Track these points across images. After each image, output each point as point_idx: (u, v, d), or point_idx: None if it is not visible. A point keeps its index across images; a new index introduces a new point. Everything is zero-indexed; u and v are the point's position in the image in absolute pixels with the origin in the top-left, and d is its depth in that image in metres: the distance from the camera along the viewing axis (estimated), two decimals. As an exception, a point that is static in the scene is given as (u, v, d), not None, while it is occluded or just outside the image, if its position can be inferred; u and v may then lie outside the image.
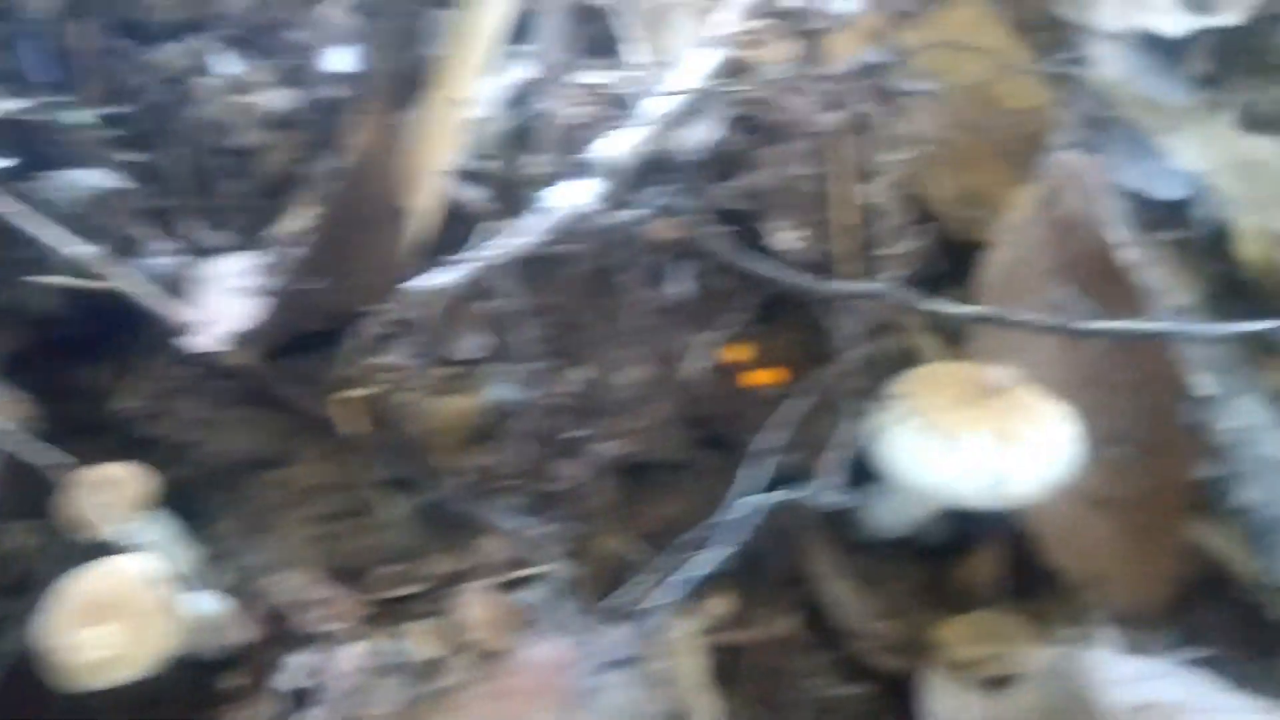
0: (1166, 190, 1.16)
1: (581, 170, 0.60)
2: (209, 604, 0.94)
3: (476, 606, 0.86)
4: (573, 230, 0.55)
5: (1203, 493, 1.05)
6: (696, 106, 0.81)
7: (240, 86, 0.91)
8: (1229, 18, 1.29)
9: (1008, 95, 1.02)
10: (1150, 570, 1.03)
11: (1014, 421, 0.84)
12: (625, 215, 0.76)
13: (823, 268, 0.86)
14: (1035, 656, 0.93)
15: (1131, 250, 1.08)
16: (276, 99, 0.91)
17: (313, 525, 0.92)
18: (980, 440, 0.82)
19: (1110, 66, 1.20)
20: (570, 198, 0.57)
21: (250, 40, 0.95)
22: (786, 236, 0.82)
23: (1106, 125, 1.18)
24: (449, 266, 0.52)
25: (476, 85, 0.85)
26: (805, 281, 0.75)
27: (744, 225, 0.85)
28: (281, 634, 0.93)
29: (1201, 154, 1.13)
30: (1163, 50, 1.26)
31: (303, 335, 0.87)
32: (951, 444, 0.81)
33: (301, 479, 0.91)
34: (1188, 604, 1.05)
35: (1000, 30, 1.02)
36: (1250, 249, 1.13)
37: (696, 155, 0.82)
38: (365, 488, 0.92)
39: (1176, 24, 1.27)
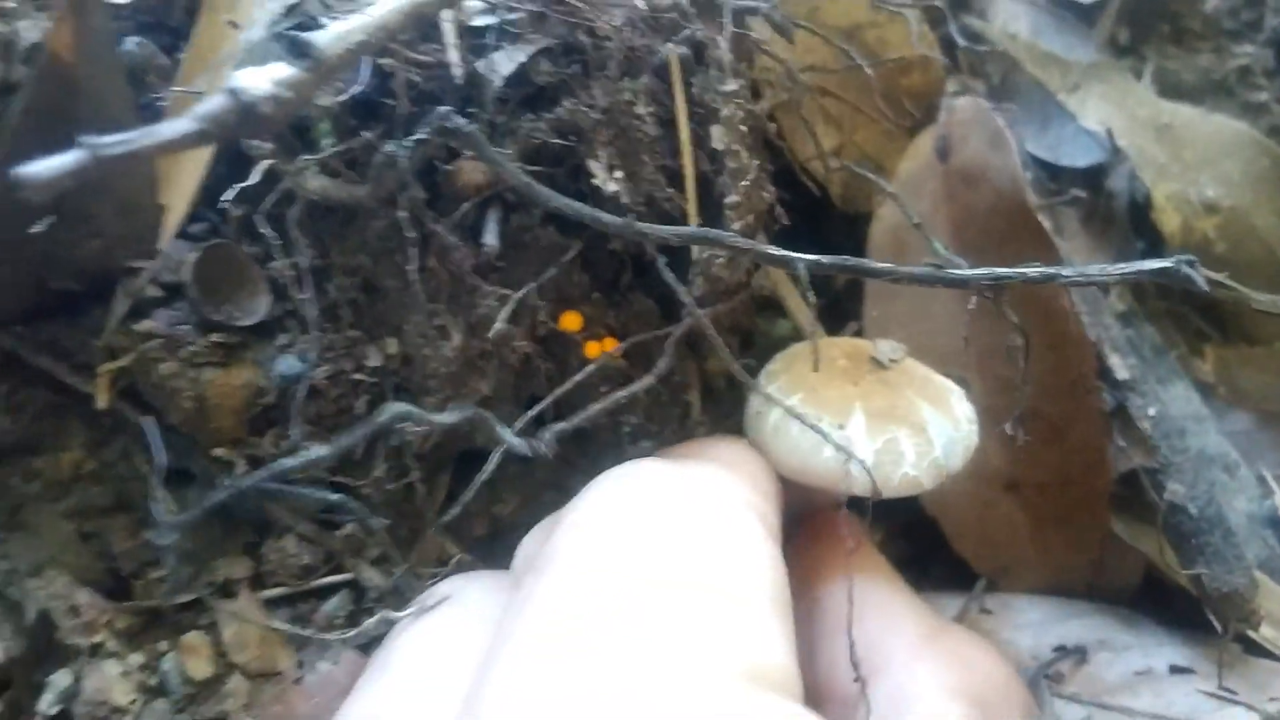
0: (1077, 156, 1.06)
1: (291, 51, 0.48)
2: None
3: (249, 619, 0.72)
4: (257, 116, 0.43)
5: (1126, 483, 0.95)
6: (499, 22, 0.69)
7: (-9, 11, 0.77)
8: (1145, -18, 1.20)
9: (889, 42, 0.92)
10: (1069, 561, 0.92)
11: (902, 400, 0.72)
12: (405, 142, 0.63)
13: (663, 218, 0.75)
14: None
15: (1040, 210, 0.98)
16: (32, 28, 0.78)
17: (77, 521, 0.78)
18: (863, 421, 0.70)
19: (1014, 24, 1.10)
20: (261, 78, 0.45)
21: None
22: (613, 179, 0.70)
23: (1008, 83, 1.09)
24: (91, 146, 0.39)
25: (253, 8, 0.73)
26: (630, 225, 0.63)
27: (565, 168, 0.73)
28: (48, 649, 0.79)
29: (1112, 114, 1.03)
30: (1071, 12, 1.17)
31: (55, 296, 0.73)
32: (832, 426, 0.69)
33: (63, 467, 0.78)
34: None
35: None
36: (1169, 220, 1.03)
37: (501, 81, 0.70)
38: (137, 478, 0.78)
39: (1090, -14, 1.18)
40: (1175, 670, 0.86)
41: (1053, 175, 1.07)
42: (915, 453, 0.70)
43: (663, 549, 0.54)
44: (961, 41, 0.98)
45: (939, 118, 0.94)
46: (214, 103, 0.44)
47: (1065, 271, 0.58)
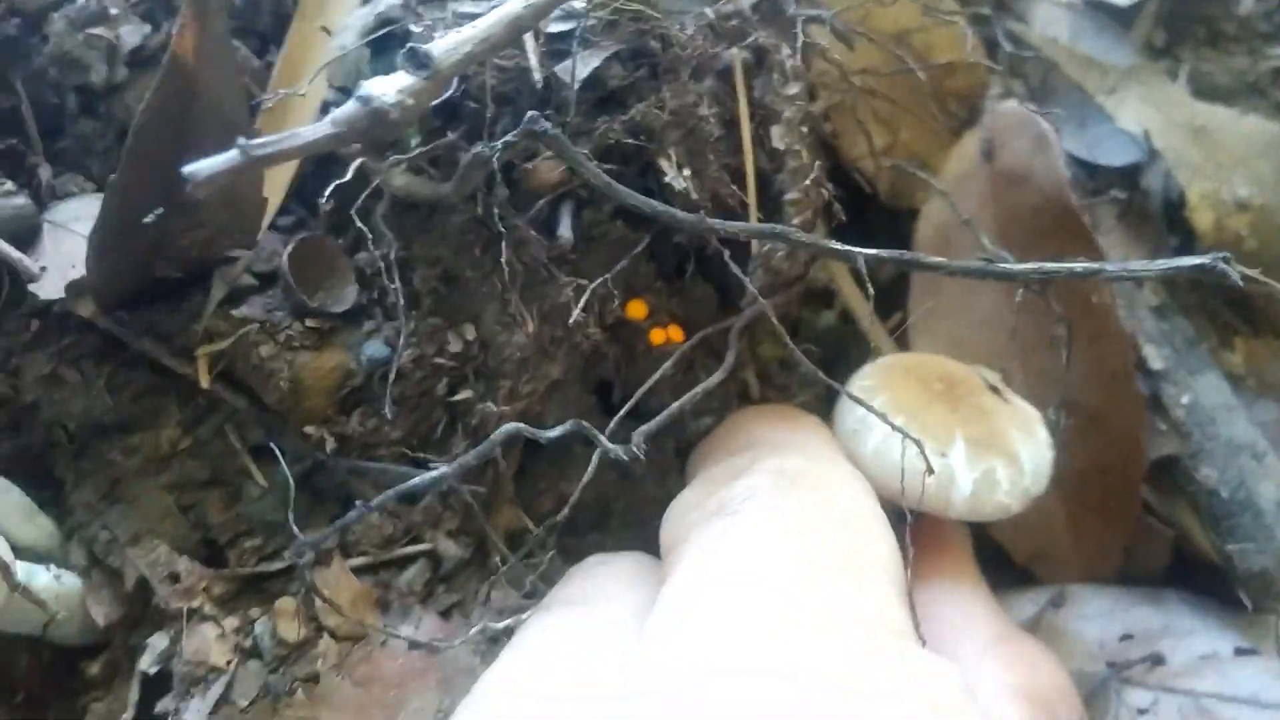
0: (1114, 156, 1.09)
1: (412, 62, 0.52)
2: (65, 582, 0.86)
3: (340, 585, 0.78)
4: (386, 122, 0.48)
5: (1161, 469, 0.99)
6: (580, 31, 0.74)
7: (95, 18, 0.83)
8: (1181, -14, 1.24)
9: (936, 46, 0.96)
10: (1103, 546, 0.97)
11: (998, 428, 0.78)
12: (495, 145, 0.68)
13: (727, 214, 0.79)
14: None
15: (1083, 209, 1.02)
16: (133, 33, 0.84)
17: (174, 494, 0.84)
18: (964, 449, 0.75)
19: (1053, 28, 1.14)
20: (388, 86, 0.50)
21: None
22: (681, 177, 0.74)
23: (1047, 85, 1.12)
24: (243, 148, 0.44)
25: (344, 14, 0.78)
26: (701, 221, 0.68)
27: (635, 166, 0.78)
28: (144, 613, 0.85)
29: (1149, 116, 1.07)
30: (1109, 16, 1.20)
31: (157, 283, 0.79)
32: (934, 453, 0.72)
33: (161, 444, 0.83)
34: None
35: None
36: (1202, 218, 1.06)
37: (577, 84, 0.75)
38: (231, 454, 0.84)
39: (1126, -10, 1.22)
40: (1240, 652, 0.90)
41: (1089, 174, 1.11)
42: (1009, 482, 0.75)
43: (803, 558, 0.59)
44: (1007, 46, 1.02)
45: (983, 120, 0.98)
46: (348, 110, 0.49)
47: (1109, 267, 0.63)
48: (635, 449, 0.66)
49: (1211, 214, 1.05)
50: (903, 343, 0.99)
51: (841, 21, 0.80)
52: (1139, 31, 1.22)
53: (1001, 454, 0.75)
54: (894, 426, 0.68)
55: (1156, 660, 0.91)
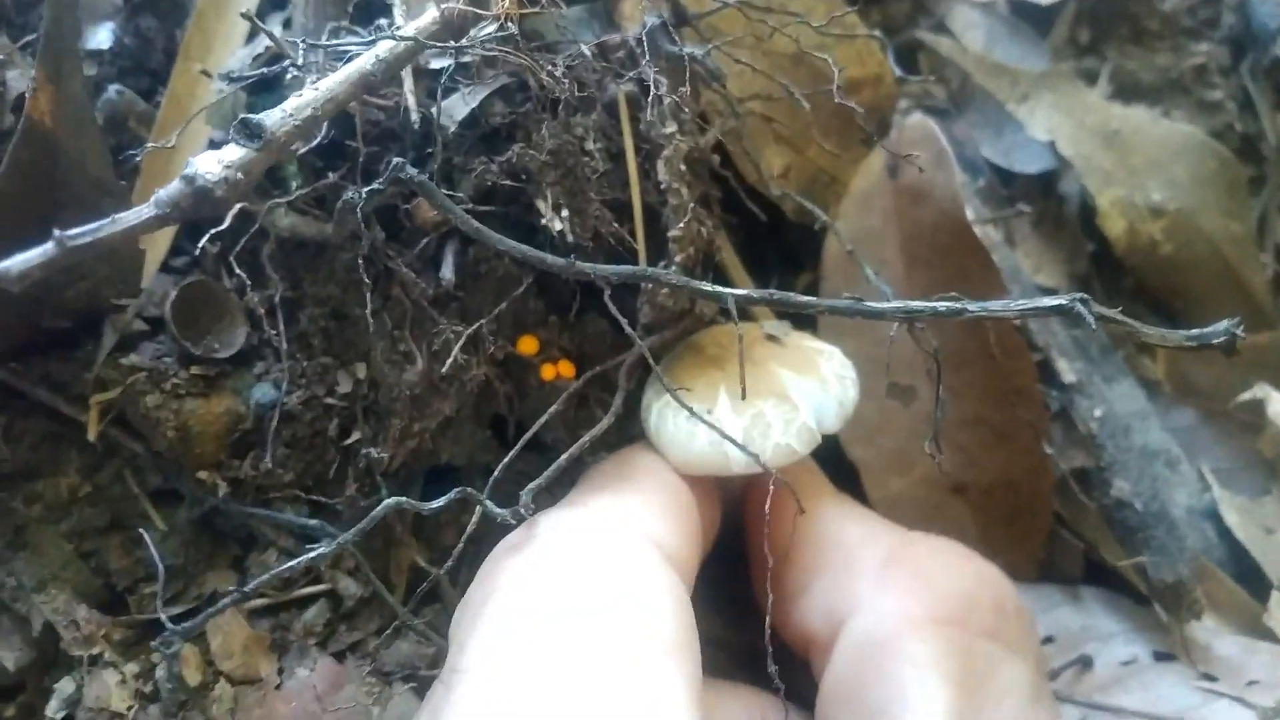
0: (1028, 163, 1.09)
1: (243, 133, 0.52)
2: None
3: (233, 630, 0.78)
4: (212, 199, 0.48)
5: (1073, 481, 0.99)
6: (461, 72, 0.73)
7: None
8: (1106, -17, 1.23)
9: (840, 64, 0.95)
10: (1016, 559, 0.97)
11: (765, 373, 0.76)
12: (364, 191, 0.68)
13: (610, 252, 0.79)
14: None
15: (988, 224, 1.02)
16: (20, 79, 0.83)
17: (75, 541, 0.84)
18: (727, 401, 0.74)
19: (971, 33, 1.13)
20: (207, 165, 0.49)
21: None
22: (559, 218, 0.74)
23: (965, 91, 1.12)
24: (59, 240, 0.44)
25: (227, 54, 0.78)
26: (570, 265, 0.68)
27: (519, 205, 0.78)
28: (56, 656, 0.86)
29: (1060, 123, 1.06)
30: (1031, 16, 1.20)
31: (47, 333, 0.79)
32: (700, 411, 0.72)
33: (61, 491, 0.83)
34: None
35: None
36: (1114, 225, 1.06)
37: (459, 127, 0.74)
38: (130, 498, 0.84)
39: (1050, -12, 1.21)
40: (1160, 657, 0.90)
41: (1006, 180, 1.11)
42: (783, 421, 0.74)
43: (567, 627, 0.55)
44: (898, 72, 1.01)
45: (890, 135, 0.97)
46: (171, 189, 0.49)
47: (971, 306, 0.63)
48: (524, 510, 0.66)
49: (1123, 220, 1.05)
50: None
51: (713, 60, 0.80)
52: (1060, 30, 1.21)
53: (768, 395, 0.74)
54: (656, 398, 0.68)
55: (1085, 663, 0.92)
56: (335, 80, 0.59)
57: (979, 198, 1.07)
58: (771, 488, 0.69)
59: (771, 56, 0.93)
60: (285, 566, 0.65)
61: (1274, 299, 1.09)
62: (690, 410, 0.70)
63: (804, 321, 1.03)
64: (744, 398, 0.72)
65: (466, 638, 0.56)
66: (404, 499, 0.65)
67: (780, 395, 0.74)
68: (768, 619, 0.68)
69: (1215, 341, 0.59)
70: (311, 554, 0.65)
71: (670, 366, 0.79)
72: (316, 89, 0.58)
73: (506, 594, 0.58)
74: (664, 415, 0.75)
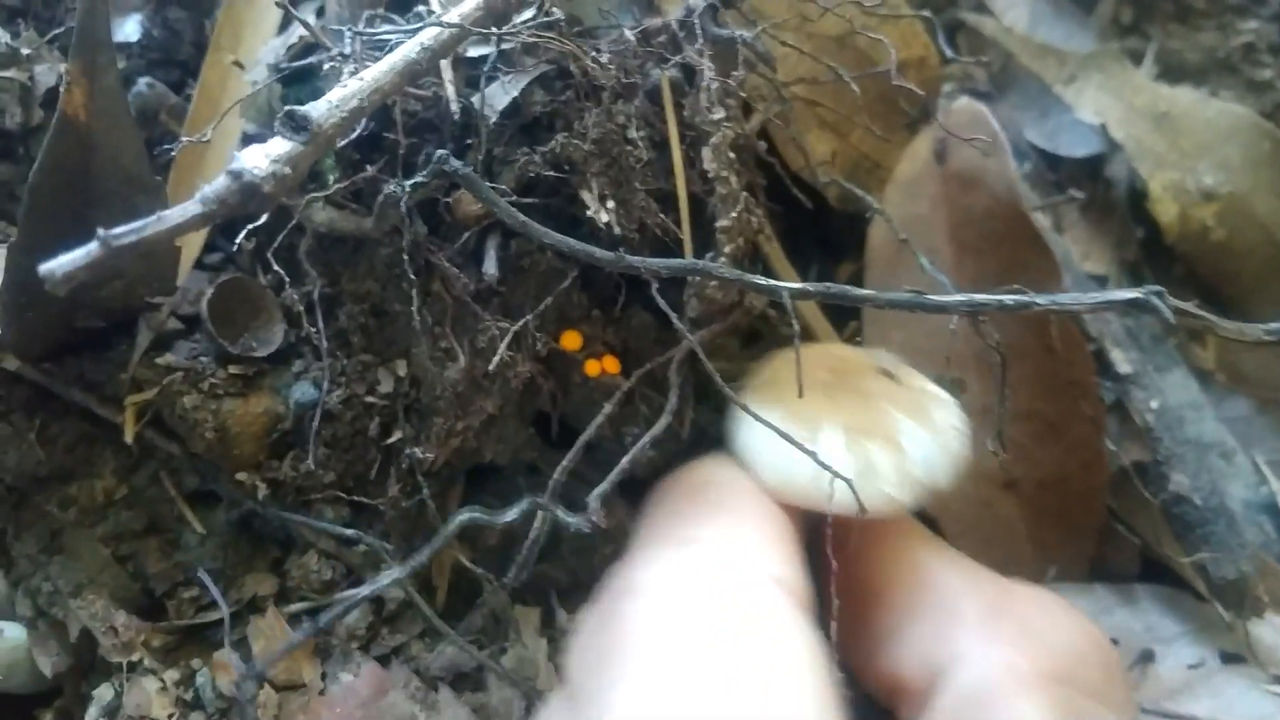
0: (1075, 146, 1.06)
1: (289, 126, 0.50)
2: (7, 636, 0.85)
3: (275, 635, 0.77)
4: (259, 195, 0.46)
5: (1129, 476, 0.97)
6: (501, 59, 0.71)
7: (6, 61, 0.81)
8: (1149, -41, 1.20)
9: (882, 46, 0.93)
10: (1068, 555, 0.95)
11: (879, 413, 0.72)
12: (406, 185, 0.66)
13: (656, 243, 0.77)
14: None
15: (1036, 211, 0.99)
16: (48, 73, 0.81)
17: (111, 545, 0.82)
18: (841, 438, 0.69)
19: (1013, 13, 1.10)
20: (260, 158, 0.47)
21: (24, 9, 0.86)
22: (605, 209, 0.72)
23: (1008, 73, 1.09)
24: (104, 239, 0.42)
25: (259, 45, 0.75)
26: (620, 259, 0.65)
27: (562, 196, 0.75)
28: (94, 661, 0.84)
29: (1108, 105, 1.03)
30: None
31: (82, 333, 0.77)
32: (809, 440, 0.66)
33: (97, 494, 0.82)
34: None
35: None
36: (1166, 210, 1.03)
37: (495, 115, 0.72)
38: (167, 500, 0.82)
39: (1093, -33, 1.18)
40: (1227, 659, 0.88)
41: (1052, 165, 1.08)
42: (893, 470, 0.68)
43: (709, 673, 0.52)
44: (948, 53, 0.98)
45: (936, 119, 0.95)
46: (217, 185, 0.47)
47: (1039, 299, 0.60)
48: (592, 518, 0.64)
49: (1175, 205, 1.02)
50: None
51: (761, 43, 0.77)
52: (1104, 9, 1.18)
53: (880, 439, 0.69)
54: (756, 419, 0.64)
55: (1148, 657, 0.89)
56: (380, 70, 0.57)
57: (1025, 183, 1.04)
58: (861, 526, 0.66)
59: (816, 39, 0.90)
60: (355, 595, 0.63)
61: (1329, 284, 1.06)
62: (800, 447, 0.65)
63: (849, 312, 1.00)
64: (800, 395, 0.68)
65: (604, 689, 0.53)
66: (476, 513, 0.63)
67: (890, 439, 0.69)
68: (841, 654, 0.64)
69: None
70: (378, 584, 0.64)
71: (770, 387, 0.75)
72: (361, 79, 0.56)
73: (643, 645, 0.55)
74: (760, 439, 0.70)
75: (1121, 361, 0.97)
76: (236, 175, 0.48)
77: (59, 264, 0.44)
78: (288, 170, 0.49)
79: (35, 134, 0.84)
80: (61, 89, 0.62)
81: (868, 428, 0.70)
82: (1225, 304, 1.07)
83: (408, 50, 0.59)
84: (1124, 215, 1.07)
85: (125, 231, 0.45)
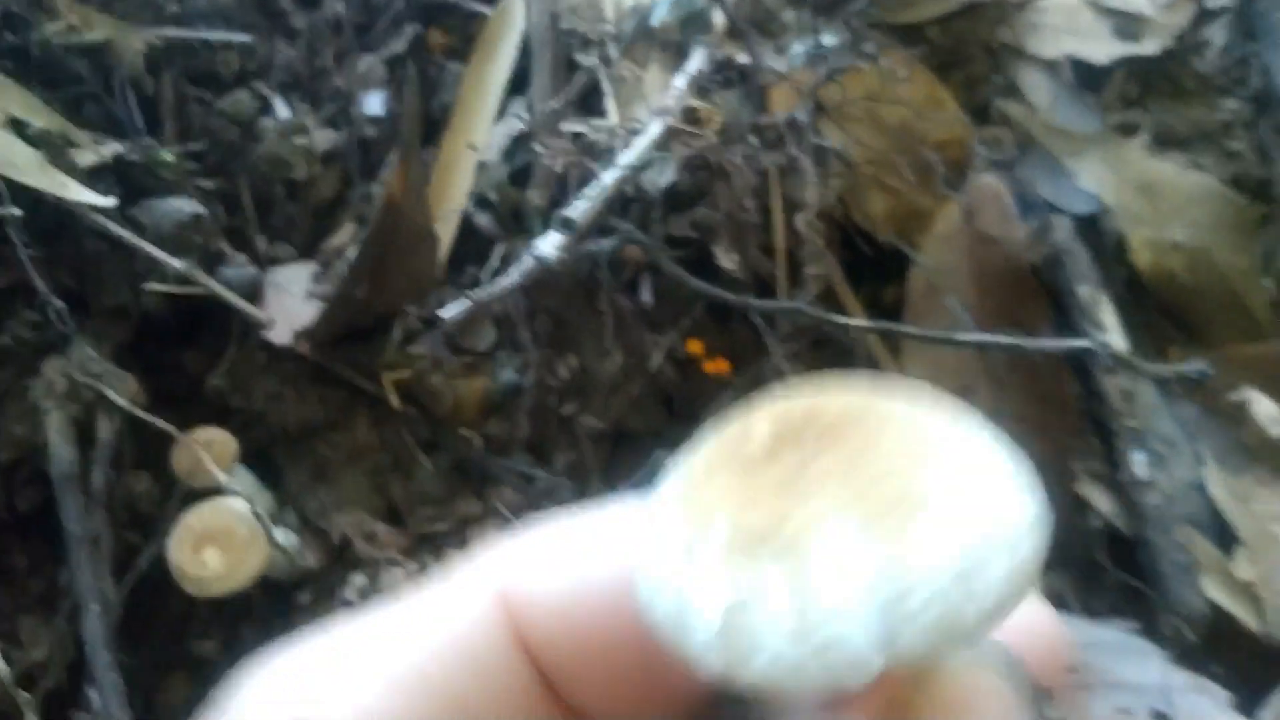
0: (1076, 205, 1.37)
1: (559, 225, 0.83)
2: (285, 537, 1.20)
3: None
4: (549, 268, 0.79)
5: (1100, 465, 1.28)
6: (658, 152, 1.03)
7: (294, 128, 1.14)
8: (1152, 45, 1.49)
9: (931, 131, 1.24)
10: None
11: (835, 496, 0.33)
12: (602, 243, 0.99)
13: (761, 283, 1.09)
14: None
15: (1044, 257, 1.30)
16: (323, 138, 1.15)
17: (364, 477, 1.17)
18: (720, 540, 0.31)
19: (1036, 94, 1.41)
20: (547, 247, 0.80)
21: (301, 87, 1.19)
22: (728, 258, 1.05)
23: (1026, 148, 1.40)
24: (463, 299, 0.75)
25: (484, 131, 1.08)
26: (736, 297, 0.98)
27: (696, 249, 1.08)
28: (342, 560, 1.19)
29: (1105, 176, 1.34)
30: (1087, 75, 1.47)
31: (355, 329, 1.11)
32: (696, 542, 0.33)
33: (355, 441, 1.16)
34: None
35: (925, 79, 1.23)
36: (1141, 258, 1.34)
37: (658, 192, 1.05)
38: (406, 448, 1.17)
39: (1105, 51, 1.48)
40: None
41: (1060, 219, 1.39)
42: (790, 605, 0.31)
43: None
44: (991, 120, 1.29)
45: (966, 188, 1.26)
46: (526, 265, 0.80)
47: (1023, 342, 0.92)
48: None
49: (1150, 254, 1.33)
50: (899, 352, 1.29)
51: (839, 142, 1.09)
52: (1113, 86, 1.48)
53: (786, 555, 0.32)
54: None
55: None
56: (606, 181, 0.90)
57: (1038, 229, 1.35)
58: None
59: (879, 124, 1.22)
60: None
61: (1273, 317, 1.36)
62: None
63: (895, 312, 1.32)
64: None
65: None
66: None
67: (801, 555, 0.33)
68: None
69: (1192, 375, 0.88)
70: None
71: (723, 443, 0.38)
72: (594, 189, 0.89)
73: None
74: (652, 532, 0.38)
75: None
76: (539, 259, 0.81)
77: (451, 310, 0.77)
78: (565, 254, 0.82)
79: (314, 184, 1.17)
80: (386, 172, 0.95)
81: (776, 526, 0.33)
82: (1190, 330, 1.38)
83: (630, 156, 0.92)
84: (1111, 260, 1.38)
85: (480, 292, 0.78)
